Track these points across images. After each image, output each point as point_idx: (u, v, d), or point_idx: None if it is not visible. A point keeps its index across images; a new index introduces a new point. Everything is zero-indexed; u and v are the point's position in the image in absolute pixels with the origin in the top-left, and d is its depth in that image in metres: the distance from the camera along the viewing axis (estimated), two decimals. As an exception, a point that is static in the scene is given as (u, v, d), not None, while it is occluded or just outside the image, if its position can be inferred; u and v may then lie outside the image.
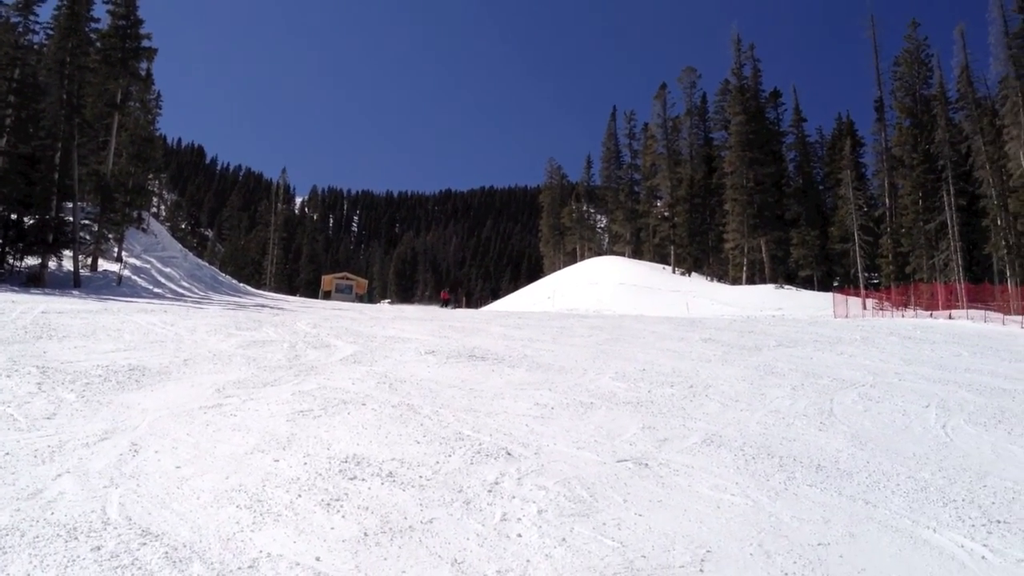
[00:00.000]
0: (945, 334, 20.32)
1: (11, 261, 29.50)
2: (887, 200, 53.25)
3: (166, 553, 3.88)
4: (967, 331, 22.04)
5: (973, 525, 5.06)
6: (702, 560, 4.24)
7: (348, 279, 62.46)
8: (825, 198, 64.66)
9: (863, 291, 45.50)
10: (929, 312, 34.33)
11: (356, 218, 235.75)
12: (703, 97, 71.33)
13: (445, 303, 45.17)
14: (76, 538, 4.00)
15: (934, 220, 47.37)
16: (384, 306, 51.53)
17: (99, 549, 3.87)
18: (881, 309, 38.62)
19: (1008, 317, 29.06)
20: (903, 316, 33.56)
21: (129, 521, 4.28)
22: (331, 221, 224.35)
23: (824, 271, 58.40)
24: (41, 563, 3.68)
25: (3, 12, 31.84)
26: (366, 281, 68.86)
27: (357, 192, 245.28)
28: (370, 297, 69.26)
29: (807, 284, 56.04)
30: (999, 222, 44.20)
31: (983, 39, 67.59)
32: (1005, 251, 43.58)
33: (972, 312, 31.36)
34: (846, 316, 34.69)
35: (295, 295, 62.32)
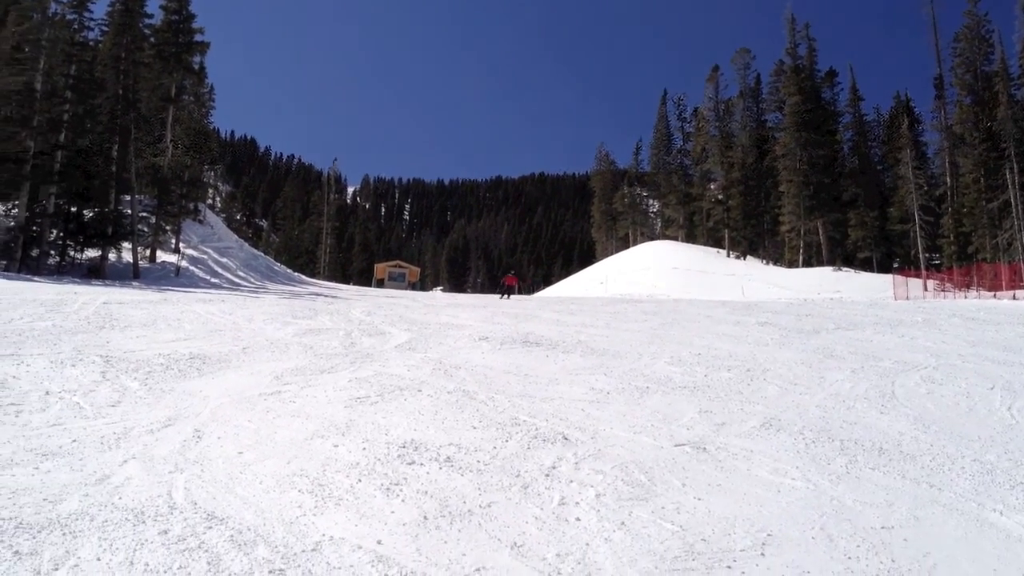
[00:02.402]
0: (1010, 315, 19.73)
1: (72, 253, 30.33)
2: (948, 179, 51.95)
3: (231, 536, 3.94)
4: (1034, 312, 21.37)
5: (1043, 509, 4.90)
6: (763, 544, 4.17)
7: (400, 267, 62.93)
8: (884, 178, 63.22)
9: (924, 272, 44.49)
10: (993, 293, 33.45)
11: (407, 207, 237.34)
12: (757, 78, 70.61)
13: (508, 290, 35.94)
14: (144, 522, 4.08)
15: (997, 199, 46.14)
16: (437, 293, 51.81)
17: (166, 533, 3.95)
18: (943, 290, 37.76)
19: (1077, 297, 28.14)
20: (965, 297, 32.75)
21: (194, 505, 4.36)
22: (383, 210, 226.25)
23: (883, 252, 57.17)
24: (111, 546, 3.76)
25: (58, 9, 32.54)
26: (418, 269, 69.29)
27: (408, 181, 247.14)
28: (422, 285, 69.73)
29: (866, 266, 55.00)
30: (1066, 199, 42.93)
31: (1047, 12, 65.30)
32: (1072, 229, 42.32)
33: (1038, 293, 30.47)
34: (907, 298, 33.99)
35: (348, 283, 62.95)
